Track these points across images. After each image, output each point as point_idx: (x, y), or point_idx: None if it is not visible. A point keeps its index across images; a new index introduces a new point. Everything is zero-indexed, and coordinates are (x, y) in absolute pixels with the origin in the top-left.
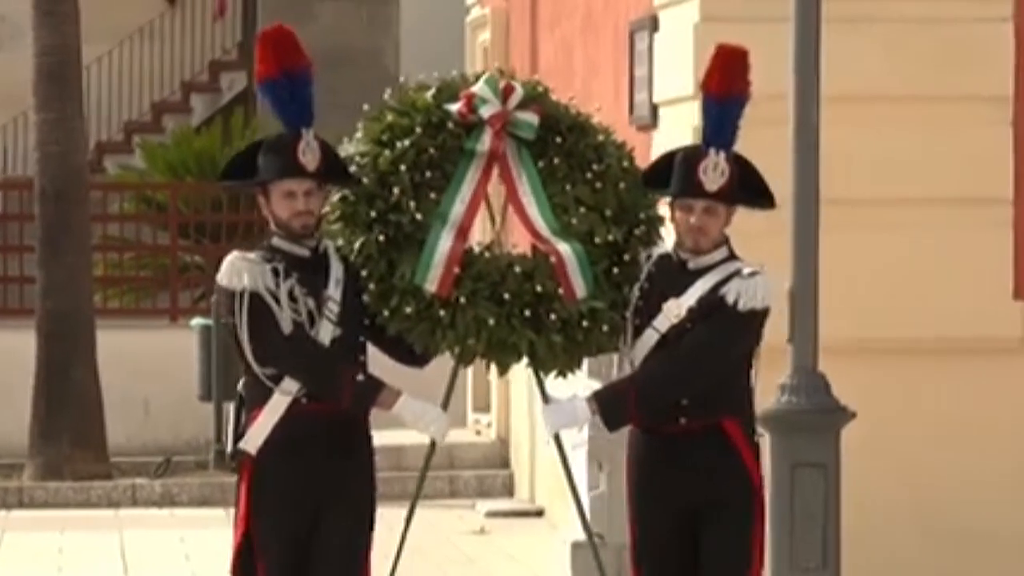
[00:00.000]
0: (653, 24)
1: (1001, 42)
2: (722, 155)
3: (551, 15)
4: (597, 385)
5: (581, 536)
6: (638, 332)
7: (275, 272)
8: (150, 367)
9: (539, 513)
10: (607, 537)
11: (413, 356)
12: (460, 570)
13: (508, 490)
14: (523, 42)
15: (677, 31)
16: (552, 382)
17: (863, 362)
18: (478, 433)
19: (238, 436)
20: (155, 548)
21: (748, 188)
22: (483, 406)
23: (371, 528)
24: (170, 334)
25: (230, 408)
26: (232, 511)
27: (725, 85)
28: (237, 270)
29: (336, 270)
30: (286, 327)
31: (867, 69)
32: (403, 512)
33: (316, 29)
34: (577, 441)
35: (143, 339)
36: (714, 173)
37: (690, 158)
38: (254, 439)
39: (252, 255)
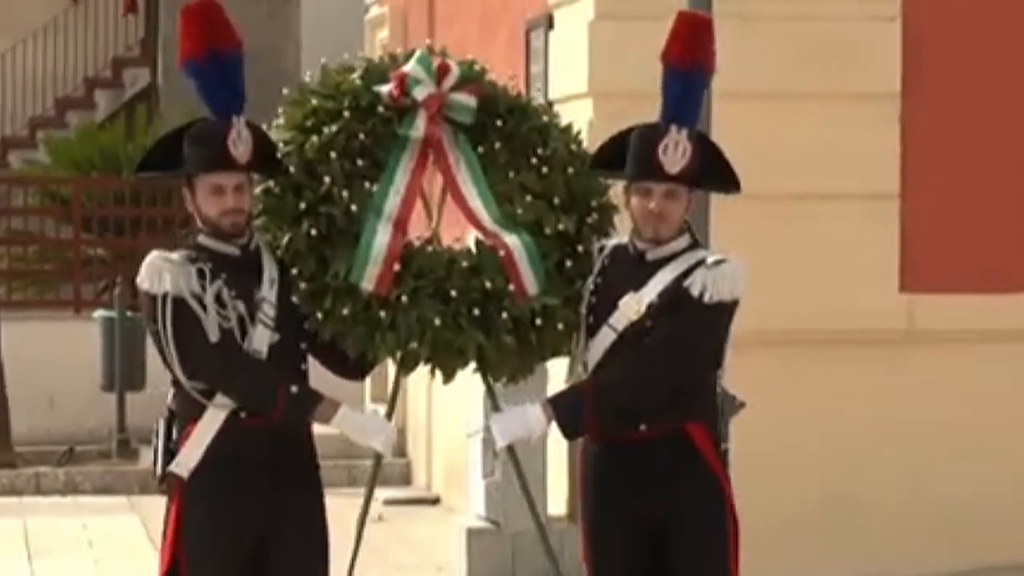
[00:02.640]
0: (548, 22)
1: (889, 40)
2: (684, 133)
3: (448, 13)
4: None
5: (476, 523)
6: (592, 331)
7: (200, 273)
8: (54, 358)
9: (435, 501)
10: (503, 525)
11: (348, 366)
12: (359, 556)
13: (405, 479)
14: (421, 40)
15: (572, 29)
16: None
17: (755, 353)
18: None
19: (168, 455)
20: (59, 535)
21: (712, 170)
22: (380, 396)
23: (326, 559)
24: (73, 326)
25: (157, 424)
26: (132, 498)
27: (688, 55)
28: (158, 271)
29: (270, 269)
30: (213, 335)
31: (758, 67)
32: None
33: None
34: (472, 430)
35: (47, 330)
36: (675, 153)
37: (647, 137)
38: (186, 460)
39: (175, 255)
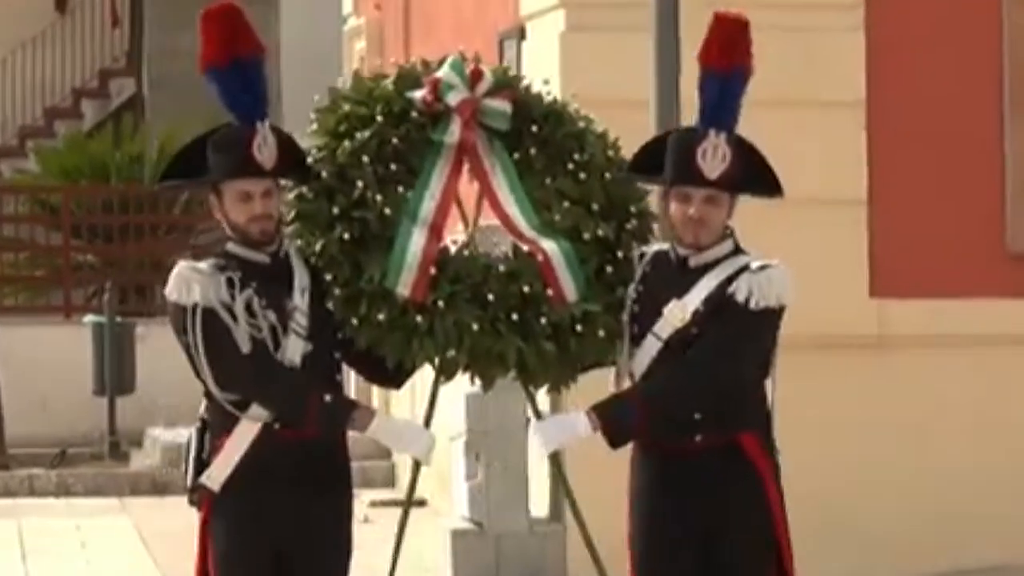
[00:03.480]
0: (521, 33)
1: (855, 50)
2: (722, 137)
3: (423, 24)
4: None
5: (461, 524)
6: (636, 340)
7: (230, 283)
8: (46, 362)
9: (421, 503)
10: (487, 526)
11: (386, 373)
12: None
13: (390, 480)
14: (397, 51)
15: (544, 40)
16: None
17: None
18: None
19: (200, 467)
20: (52, 536)
21: (752, 173)
22: (365, 398)
23: (347, 570)
24: (64, 331)
25: (191, 434)
26: (122, 500)
27: (726, 58)
28: (186, 282)
29: (300, 276)
30: (244, 345)
31: None
32: None
33: (198, 37)
34: (455, 433)
35: (38, 335)
36: (714, 158)
37: (686, 141)
38: (218, 473)
39: (203, 264)
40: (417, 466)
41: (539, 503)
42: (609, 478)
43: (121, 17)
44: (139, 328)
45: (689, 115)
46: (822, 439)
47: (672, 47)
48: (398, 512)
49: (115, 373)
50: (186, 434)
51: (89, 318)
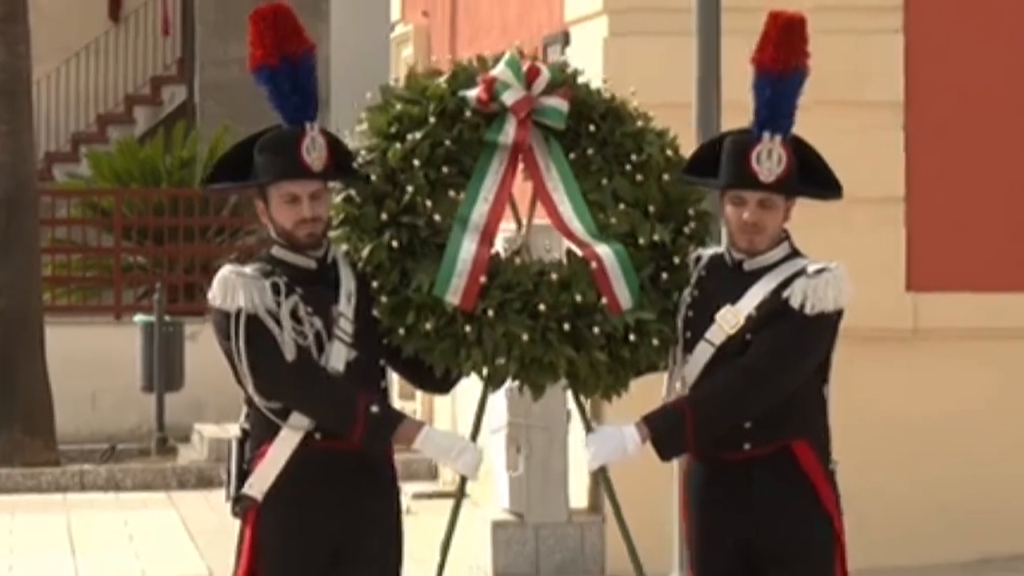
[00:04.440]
0: (565, 39)
1: (893, 52)
2: (778, 139)
3: (470, 31)
4: None
5: (501, 515)
6: (689, 346)
7: (275, 288)
8: (96, 361)
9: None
10: (527, 517)
11: (433, 380)
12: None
13: (432, 473)
14: (443, 57)
15: (588, 45)
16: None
17: None
18: None
19: (242, 477)
20: (101, 529)
21: (810, 176)
22: (408, 393)
23: (399, 572)
24: (115, 330)
25: (231, 444)
26: (169, 495)
27: (782, 58)
28: (231, 287)
29: (347, 282)
30: (289, 353)
31: None
32: None
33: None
34: (496, 426)
35: (90, 335)
36: (769, 161)
37: (740, 144)
38: (260, 482)
39: (248, 269)
40: (463, 482)
41: (578, 495)
42: (647, 471)
43: (172, 26)
44: (188, 327)
45: (730, 118)
46: (857, 430)
47: (713, 51)
48: (440, 504)
49: (163, 370)
50: (232, 430)
51: (139, 317)
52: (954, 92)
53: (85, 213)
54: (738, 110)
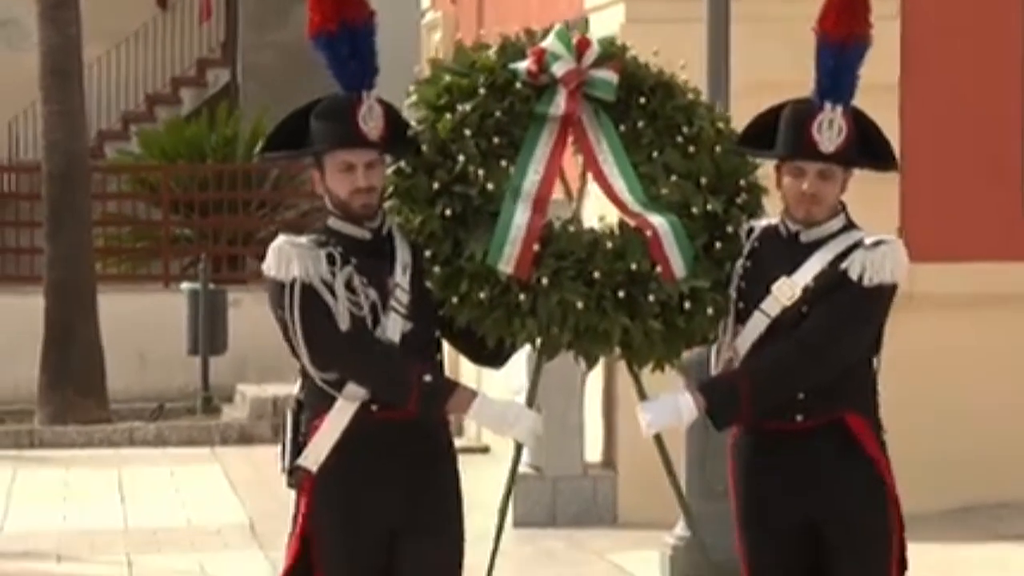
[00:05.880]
0: (586, 25)
1: (890, 37)
2: (839, 110)
3: (495, 17)
4: None
5: (521, 469)
6: (742, 317)
7: (330, 259)
8: (145, 326)
9: (485, 450)
10: (545, 470)
11: (487, 353)
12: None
13: (457, 430)
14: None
15: (606, 31)
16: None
17: None
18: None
19: (297, 448)
20: (149, 482)
21: (868, 147)
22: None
23: (461, 560)
24: (163, 297)
25: (286, 415)
26: (214, 449)
27: (844, 28)
28: (286, 257)
29: (403, 253)
30: (343, 323)
31: (772, 63)
32: None
33: (293, 31)
34: (517, 387)
35: (139, 301)
36: (830, 131)
37: (801, 114)
38: (315, 454)
39: (303, 239)
40: (519, 450)
41: (592, 450)
42: None
43: (216, 13)
44: (231, 294)
45: (738, 104)
46: None
47: (722, 36)
48: (463, 458)
49: (208, 335)
50: (271, 390)
51: (185, 285)
52: (947, 76)
53: (134, 188)
54: (747, 95)
